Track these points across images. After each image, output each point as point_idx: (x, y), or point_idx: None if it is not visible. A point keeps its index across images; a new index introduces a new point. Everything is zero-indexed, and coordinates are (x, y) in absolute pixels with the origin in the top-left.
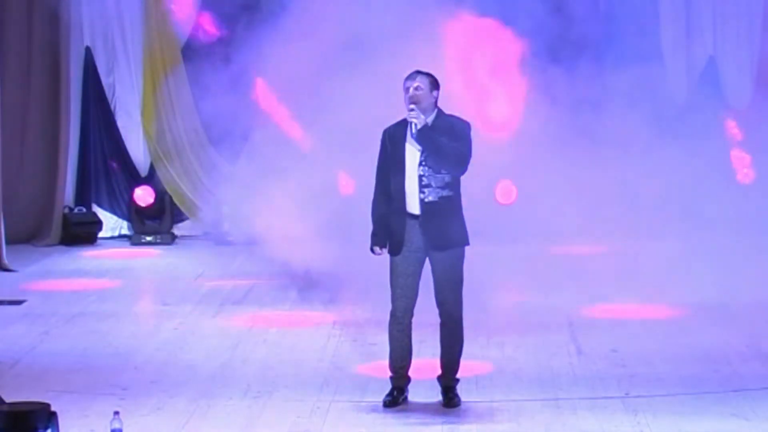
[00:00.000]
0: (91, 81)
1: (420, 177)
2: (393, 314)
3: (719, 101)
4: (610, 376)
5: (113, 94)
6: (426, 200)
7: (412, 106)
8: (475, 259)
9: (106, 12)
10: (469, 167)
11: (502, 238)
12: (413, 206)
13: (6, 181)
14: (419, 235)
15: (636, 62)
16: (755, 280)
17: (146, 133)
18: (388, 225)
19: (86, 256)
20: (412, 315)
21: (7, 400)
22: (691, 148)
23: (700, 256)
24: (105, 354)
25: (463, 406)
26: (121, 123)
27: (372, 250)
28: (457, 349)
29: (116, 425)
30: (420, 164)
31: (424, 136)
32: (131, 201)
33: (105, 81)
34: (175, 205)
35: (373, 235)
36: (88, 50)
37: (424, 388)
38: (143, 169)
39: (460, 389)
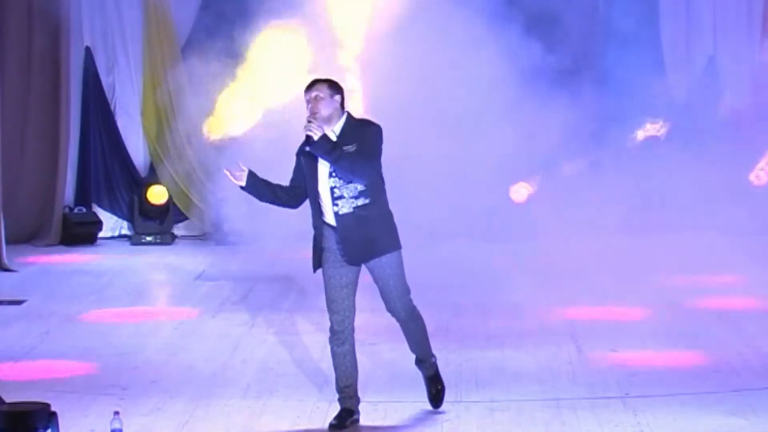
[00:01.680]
0: (91, 81)
1: (332, 189)
2: (331, 330)
3: (719, 101)
4: (610, 376)
5: (113, 94)
6: (340, 213)
7: (311, 119)
8: (476, 258)
9: (106, 12)
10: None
11: (502, 237)
12: (330, 219)
13: (6, 181)
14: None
15: (636, 62)
16: (755, 280)
17: (146, 133)
18: (264, 188)
19: (86, 256)
20: (352, 330)
21: (7, 400)
22: (691, 147)
23: (700, 256)
24: (105, 354)
25: (463, 406)
26: (121, 123)
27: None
28: (417, 329)
29: (116, 425)
30: (330, 176)
31: (318, 148)
32: (140, 198)
33: (105, 81)
34: (175, 205)
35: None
36: (88, 50)
37: (423, 388)
38: (143, 169)
39: (461, 389)
